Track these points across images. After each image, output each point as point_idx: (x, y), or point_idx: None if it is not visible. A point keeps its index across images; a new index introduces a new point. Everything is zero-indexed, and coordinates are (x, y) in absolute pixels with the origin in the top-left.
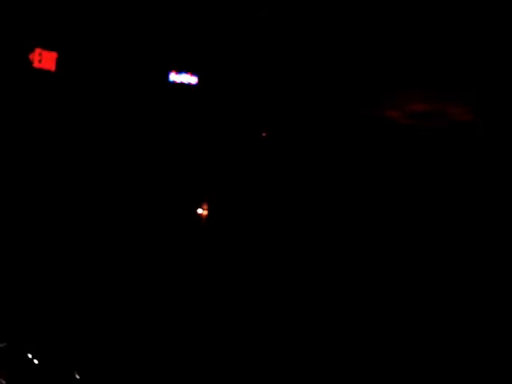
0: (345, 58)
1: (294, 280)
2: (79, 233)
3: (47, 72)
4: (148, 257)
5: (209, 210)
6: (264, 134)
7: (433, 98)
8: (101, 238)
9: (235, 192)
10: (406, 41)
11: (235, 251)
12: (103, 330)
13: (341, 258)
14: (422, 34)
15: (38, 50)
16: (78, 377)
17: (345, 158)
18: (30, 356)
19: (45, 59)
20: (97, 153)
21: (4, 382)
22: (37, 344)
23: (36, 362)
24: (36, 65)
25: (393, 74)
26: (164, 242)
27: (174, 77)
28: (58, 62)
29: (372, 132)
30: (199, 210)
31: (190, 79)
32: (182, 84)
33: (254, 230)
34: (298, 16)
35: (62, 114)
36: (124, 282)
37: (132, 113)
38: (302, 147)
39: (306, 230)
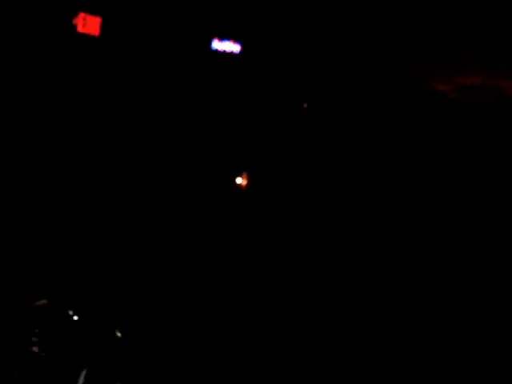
0: (394, 26)
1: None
2: (119, 196)
3: (91, 37)
4: (188, 226)
5: (248, 180)
6: (305, 105)
7: (485, 71)
8: (141, 206)
9: (276, 163)
10: (459, 10)
11: (275, 225)
12: (145, 291)
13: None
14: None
15: (81, 15)
16: (119, 334)
17: (391, 128)
18: (70, 313)
19: (89, 24)
20: (140, 116)
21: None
22: (77, 301)
23: (76, 318)
24: (80, 29)
25: (444, 46)
26: (202, 212)
27: (217, 44)
28: (102, 27)
29: (419, 106)
30: (238, 180)
31: (232, 47)
32: (224, 52)
33: (294, 202)
34: None
35: (105, 79)
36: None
37: (174, 79)
38: (344, 119)
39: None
